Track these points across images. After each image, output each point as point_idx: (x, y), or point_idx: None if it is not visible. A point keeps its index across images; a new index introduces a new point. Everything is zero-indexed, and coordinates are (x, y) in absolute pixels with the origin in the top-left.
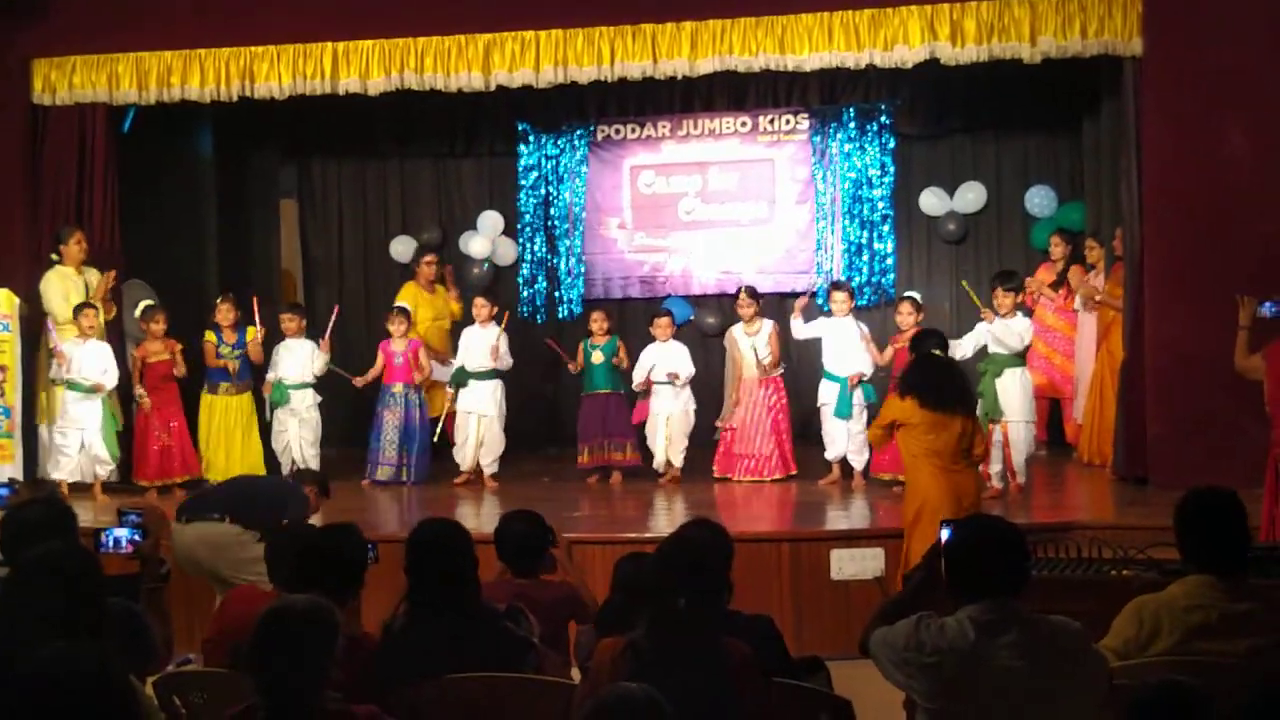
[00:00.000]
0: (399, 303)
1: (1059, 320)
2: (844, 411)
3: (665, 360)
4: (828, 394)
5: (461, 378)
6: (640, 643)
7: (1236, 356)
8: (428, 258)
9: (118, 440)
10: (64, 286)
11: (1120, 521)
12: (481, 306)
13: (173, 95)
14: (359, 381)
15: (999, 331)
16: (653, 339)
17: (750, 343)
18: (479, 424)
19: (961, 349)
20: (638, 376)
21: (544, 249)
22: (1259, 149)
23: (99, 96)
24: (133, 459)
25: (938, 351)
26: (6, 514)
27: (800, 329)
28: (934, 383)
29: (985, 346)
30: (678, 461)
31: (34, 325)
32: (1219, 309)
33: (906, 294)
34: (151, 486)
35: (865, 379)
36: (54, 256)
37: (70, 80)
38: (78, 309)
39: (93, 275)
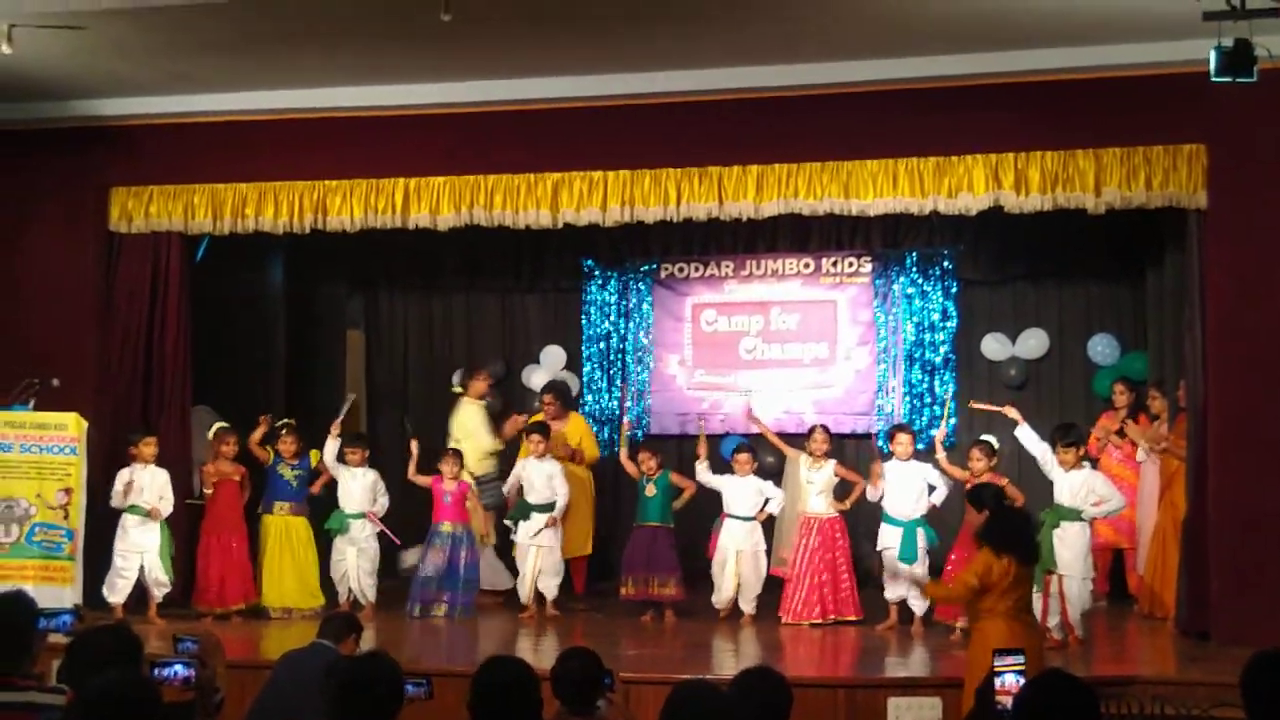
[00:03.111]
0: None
1: (1123, 469)
2: (910, 556)
3: (741, 494)
4: (889, 538)
5: (524, 511)
6: None
7: None
8: (546, 397)
9: (173, 564)
10: (481, 417)
11: (1183, 677)
12: (538, 441)
13: (246, 226)
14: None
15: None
16: (729, 471)
17: (806, 475)
18: (537, 555)
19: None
20: (703, 475)
21: (605, 384)
22: None
23: (174, 226)
24: (195, 583)
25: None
26: (75, 639)
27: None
28: (1027, 539)
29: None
30: (749, 609)
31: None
32: None
33: (982, 438)
34: (210, 613)
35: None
36: (457, 389)
37: (147, 209)
38: (139, 439)
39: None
